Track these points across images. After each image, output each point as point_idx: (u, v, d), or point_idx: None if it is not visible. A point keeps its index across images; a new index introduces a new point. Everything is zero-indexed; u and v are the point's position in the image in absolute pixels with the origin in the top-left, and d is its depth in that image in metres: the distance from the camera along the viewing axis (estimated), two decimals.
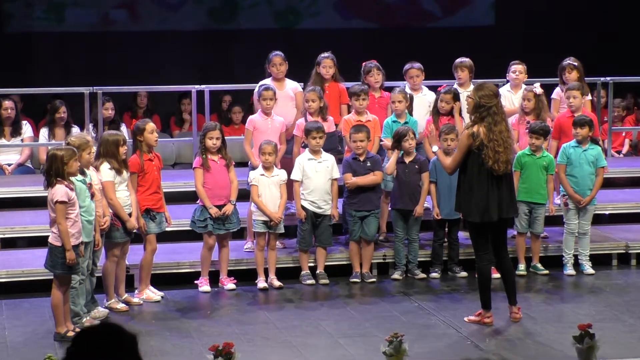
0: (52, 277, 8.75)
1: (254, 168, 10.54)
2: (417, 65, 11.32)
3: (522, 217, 10.57)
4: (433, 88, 11.45)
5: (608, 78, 12.87)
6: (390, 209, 10.82)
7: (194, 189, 10.32)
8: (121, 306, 9.57)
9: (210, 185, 10.12)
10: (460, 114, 10.90)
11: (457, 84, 11.39)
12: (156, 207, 9.84)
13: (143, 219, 9.71)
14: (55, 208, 8.49)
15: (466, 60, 11.44)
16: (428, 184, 10.54)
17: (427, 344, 8.55)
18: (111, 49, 15.29)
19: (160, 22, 15.66)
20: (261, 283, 10.26)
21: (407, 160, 10.52)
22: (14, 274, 10.12)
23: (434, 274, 10.66)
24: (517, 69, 11.55)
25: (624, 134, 13.79)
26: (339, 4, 16.13)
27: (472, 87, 10.35)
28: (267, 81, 11.03)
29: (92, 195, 8.96)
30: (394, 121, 10.89)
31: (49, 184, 8.55)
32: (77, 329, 8.77)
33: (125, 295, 9.74)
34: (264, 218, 10.27)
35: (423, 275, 10.63)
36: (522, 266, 10.70)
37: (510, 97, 11.50)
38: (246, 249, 10.83)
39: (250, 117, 10.96)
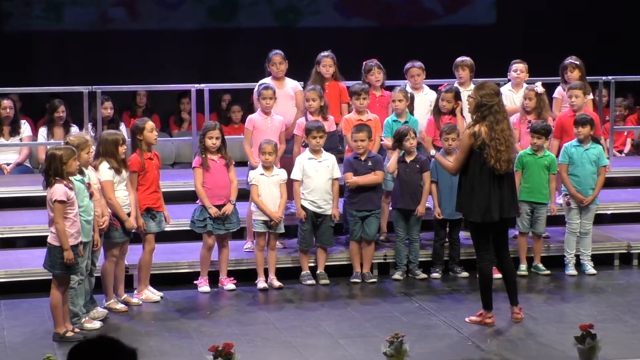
0: (51, 277, 8.73)
1: (253, 168, 10.50)
2: (418, 64, 11.30)
3: (523, 217, 10.55)
4: (434, 87, 11.44)
5: (610, 77, 12.84)
6: (391, 208, 10.80)
7: (193, 189, 10.30)
8: (120, 306, 9.55)
9: (210, 185, 10.10)
10: (461, 114, 10.85)
11: (458, 83, 11.37)
12: (156, 206, 9.82)
13: (142, 219, 9.68)
14: (53, 207, 8.46)
15: (467, 59, 11.43)
16: (429, 184, 10.51)
17: (428, 345, 8.53)
18: (110, 48, 15.26)
19: (160, 21, 15.62)
20: (261, 283, 10.24)
21: (408, 159, 10.49)
22: (12, 274, 10.10)
23: (435, 274, 10.64)
24: (518, 68, 11.54)
25: (625, 134, 13.76)
26: (339, 3, 16.10)
27: (472, 86, 10.35)
28: (267, 80, 11.01)
29: (91, 195, 8.93)
30: (394, 120, 10.87)
31: (48, 184, 8.53)
32: (77, 329, 8.77)
33: (125, 296, 9.72)
34: (264, 218, 10.25)
35: (424, 276, 10.61)
36: (523, 266, 10.68)
37: (512, 96, 11.48)
38: (246, 249, 10.81)
39: (250, 116, 10.93)
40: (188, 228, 10.40)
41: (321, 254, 10.52)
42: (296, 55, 11.61)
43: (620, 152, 13.63)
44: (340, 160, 10.82)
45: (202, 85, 12.35)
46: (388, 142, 10.71)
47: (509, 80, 11.66)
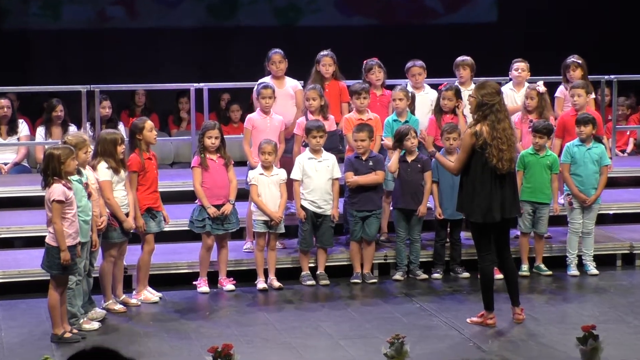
0: (49, 278, 8.70)
1: (252, 167, 10.46)
2: (419, 63, 11.28)
3: (525, 217, 10.53)
4: (434, 86, 11.43)
5: (612, 76, 12.84)
6: (391, 208, 10.76)
7: (192, 189, 10.27)
8: (119, 307, 9.52)
9: (209, 184, 10.06)
10: (462, 113, 10.81)
11: (459, 82, 11.36)
12: (156, 205, 9.80)
13: (142, 219, 9.66)
14: (51, 207, 8.43)
15: (467, 58, 11.42)
16: (431, 183, 10.48)
17: (429, 346, 8.51)
18: (109, 46, 15.26)
19: (159, 19, 15.60)
20: (261, 284, 10.21)
21: (410, 159, 10.47)
22: (10, 274, 10.08)
23: (435, 275, 10.61)
24: (519, 67, 11.52)
25: (628, 133, 13.73)
26: (339, 1, 16.08)
27: (473, 85, 10.33)
28: (267, 79, 10.98)
29: (89, 195, 8.91)
30: (394, 120, 10.84)
31: (46, 184, 8.51)
32: (75, 330, 8.75)
33: (123, 296, 9.70)
34: (264, 218, 10.22)
35: (425, 276, 10.58)
36: (525, 267, 10.66)
37: (513, 95, 11.47)
38: (245, 249, 10.79)
39: (249, 115, 10.91)
40: (187, 228, 10.37)
41: (321, 255, 10.49)
42: (296, 54, 11.59)
43: (623, 151, 13.61)
44: (340, 160, 10.80)
45: (202, 85, 12.35)
46: (388, 141, 10.67)
47: (510, 79, 11.63)
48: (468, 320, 9.10)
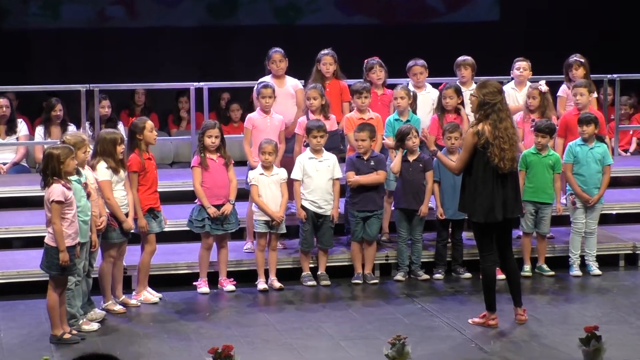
0: (48, 279, 8.68)
1: (252, 167, 10.43)
2: (421, 62, 11.25)
3: (528, 217, 10.50)
4: (435, 85, 11.41)
5: (615, 75, 12.82)
6: (393, 208, 10.72)
7: (192, 189, 10.24)
8: (118, 308, 9.49)
9: (209, 184, 10.03)
10: (465, 113, 10.79)
11: (460, 82, 11.34)
12: (156, 205, 9.79)
13: (145, 219, 9.64)
14: (51, 208, 8.41)
15: (469, 58, 11.42)
16: (432, 183, 10.46)
17: (431, 347, 8.50)
18: (108, 46, 15.26)
19: (158, 18, 15.59)
20: (261, 284, 10.18)
21: (411, 158, 10.43)
22: (9, 275, 10.06)
23: (437, 275, 10.57)
24: (521, 66, 11.50)
25: (631, 132, 13.70)
26: (340, 0, 16.07)
27: (474, 85, 10.29)
28: (267, 78, 10.94)
29: (88, 195, 8.88)
30: (396, 119, 10.81)
31: (46, 184, 8.49)
32: (74, 331, 8.74)
33: (123, 297, 9.67)
34: (266, 218, 10.18)
35: (426, 277, 10.55)
36: (527, 267, 10.62)
37: (515, 94, 11.45)
38: (246, 249, 10.75)
39: (249, 115, 10.89)
40: (187, 228, 10.33)
41: (322, 255, 10.47)
42: (296, 53, 11.55)
43: (626, 151, 13.57)
44: (341, 160, 10.77)
45: (202, 84, 12.35)
46: (389, 141, 10.63)
47: (512, 79, 11.60)
48: (470, 321, 9.07)
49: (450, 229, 10.64)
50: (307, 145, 10.50)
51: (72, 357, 8.21)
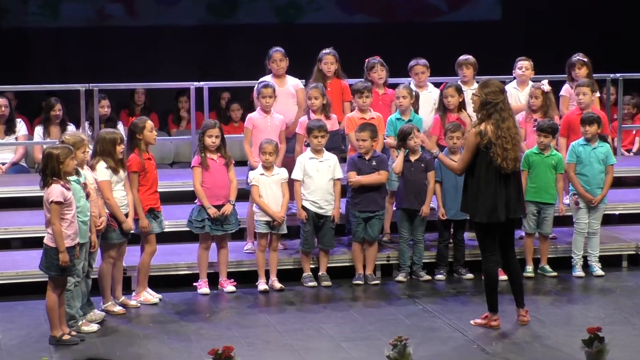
0: (47, 279, 8.65)
1: (253, 168, 10.39)
2: (423, 61, 11.22)
3: (530, 218, 10.48)
4: (436, 85, 11.38)
5: (618, 75, 12.81)
6: (395, 208, 10.70)
7: (192, 189, 10.21)
8: (118, 309, 9.47)
9: (209, 184, 9.99)
10: (468, 113, 10.76)
11: (462, 81, 11.31)
12: (156, 206, 9.77)
13: (147, 220, 9.61)
14: (50, 208, 8.38)
15: (470, 57, 11.41)
16: (434, 183, 10.43)
17: (432, 348, 8.48)
18: (108, 45, 15.26)
19: (158, 17, 15.59)
20: (262, 285, 10.15)
21: (413, 158, 10.40)
22: (8, 275, 10.03)
23: (439, 276, 10.55)
24: (523, 65, 11.47)
25: (634, 132, 13.68)
26: None
27: (476, 84, 10.26)
28: (268, 78, 10.91)
29: (87, 195, 8.85)
30: (397, 119, 10.78)
31: (45, 184, 8.47)
32: (73, 332, 8.72)
33: (123, 298, 9.65)
34: (267, 218, 10.16)
35: (428, 277, 10.53)
36: (529, 268, 10.60)
37: (517, 94, 11.43)
38: (246, 250, 10.73)
39: (249, 115, 10.87)
40: (187, 229, 10.28)
41: (323, 256, 10.44)
42: (297, 52, 11.52)
43: (629, 151, 13.55)
44: (343, 160, 10.73)
45: (202, 83, 12.34)
46: (391, 140, 10.59)
47: (514, 78, 11.56)
48: (472, 322, 9.05)
49: (452, 230, 10.61)
50: (308, 145, 10.47)
51: (71, 358, 8.23)
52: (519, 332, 8.86)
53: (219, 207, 9.97)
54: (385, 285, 10.37)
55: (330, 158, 10.37)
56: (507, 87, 10.94)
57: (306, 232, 10.33)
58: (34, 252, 9.66)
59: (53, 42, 15.32)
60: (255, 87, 10.93)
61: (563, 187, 10.71)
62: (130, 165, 9.53)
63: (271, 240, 10.21)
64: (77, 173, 8.75)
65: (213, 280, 10.13)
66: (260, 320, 9.33)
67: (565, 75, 11.62)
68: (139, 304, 9.67)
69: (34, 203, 10.59)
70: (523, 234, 10.62)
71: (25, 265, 9.98)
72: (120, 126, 12.30)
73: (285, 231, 10.33)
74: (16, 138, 12.42)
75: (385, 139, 10.73)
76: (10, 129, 12.42)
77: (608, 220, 11.49)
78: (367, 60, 11.21)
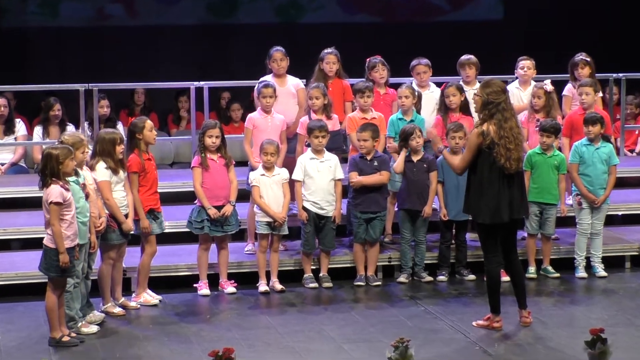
0: (46, 280, 8.63)
1: (253, 168, 10.35)
2: (425, 61, 11.20)
3: (532, 218, 10.46)
4: (438, 85, 11.36)
5: (621, 74, 12.79)
6: (397, 209, 10.67)
7: (192, 189, 10.19)
8: (118, 310, 9.45)
9: (209, 185, 9.97)
10: (469, 112, 10.73)
11: (464, 81, 11.29)
12: (157, 206, 9.75)
13: (147, 220, 9.59)
14: (49, 209, 8.36)
15: (473, 57, 11.40)
16: (436, 184, 10.41)
17: (434, 349, 8.46)
18: (107, 45, 15.28)
19: (158, 17, 15.59)
20: (262, 286, 10.12)
21: (415, 159, 10.38)
22: (7, 276, 10.01)
23: (441, 277, 10.53)
24: (525, 65, 11.45)
25: (637, 132, 13.68)
26: None
27: (478, 84, 10.24)
28: (268, 78, 10.88)
29: (87, 196, 8.83)
30: (399, 119, 10.75)
31: (44, 184, 8.44)
32: (73, 334, 8.70)
33: (122, 299, 9.63)
34: (268, 219, 10.13)
35: (430, 279, 10.50)
36: (532, 269, 10.57)
37: (519, 94, 11.41)
38: (247, 251, 10.71)
39: (250, 115, 10.84)
40: (187, 230, 10.27)
41: (324, 257, 10.42)
42: (297, 52, 11.49)
43: (632, 151, 13.55)
44: (344, 160, 10.70)
45: (202, 83, 12.31)
46: (392, 143, 10.55)
47: (516, 78, 11.53)
48: (474, 323, 9.03)
49: (454, 230, 10.59)
50: (309, 146, 10.43)
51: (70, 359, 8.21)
52: (522, 333, 8.84)
53: (219, 208, 9.93)
54: (387, 287, 10.35)
55: (331, 158, 10.34)
56: (509, 87, 10.93)
57: (307, 233, 10.30)
58: (33, 253, 9.65)
59: (52, 42, 15.33)
60: (255, 87, 10.91)
61: (565, 188, 10.69)
62: (130, 165, 9.51)
63: (272, 241, 10.18)
64: (76, 174, 8.72)
65: (213, 281, 10.11)
66: (261, 321, 9.30)
67: (567, 75, 11.62)
68: (138, 306, 9.65)
69: (33, 204, 10.57)
70: (525, 234, 10.60)
71: (25, 267, 9.97)
72: (120, 126, 12.30)
73: (286, 232, 10.30)
74: (15, 138, 12.41)
75: (390, 143, 10.66)
76: (9, 129, 12.42)
77: (611, 220, 11.47)
78: (368, 59, 11.19)
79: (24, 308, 9.61)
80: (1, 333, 8.94)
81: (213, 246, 10.09)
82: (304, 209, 10.26)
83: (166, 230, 10.01)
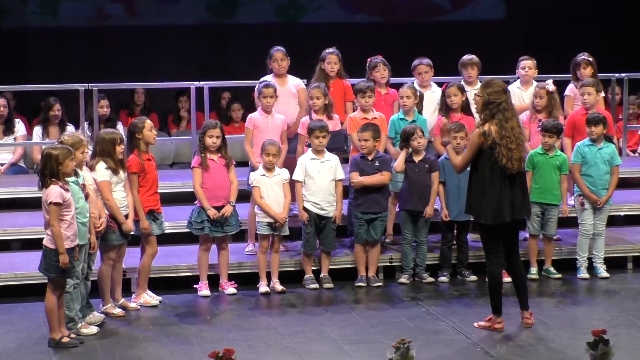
0: (46, 281, 8.62)
1: (254, 168, 10.33)
2: (426, 61, 11.18)
3: (534, 219, 10.44)
4: (439, 85, 11.33)
5: (623, 74, 12.76)
6: (398, 209, 10.65)
7: (192, 190, 10.17)
8: (118, 311, 9.44)
9: (209, 185, 9.95)
10: (470, 112, 10.70)
11: (466, 81, 11.27)
12: (157, 207, 9.73)
13: (147, 221, 9.57)
14: (49, 209, 8.34)
15: (474, 57, 11.38)
16: (438, 184, 10.39)
17: (436, 351, 8.45)
18: (107, 45, 15.27)
19: (158, 17, 15.59)
20: (263, 287, 10.10)
21: (417, 159, 10.36)
22: (6, 277, 9.99)
23: (442, 278, 10.52)
24: (526, 65, 11.44)
25: (639, 132, 13.58)
26: None
27: (479, 84, 10.20)
28: (269, 78, 10.87)
29: (86, 196, 8.81)
30: (401, 119, 10.73)
31: (44, 185, 8.43)
32: (72, 335, 8.70)
33: (122, 300, 9.62)
34: (268, 220, 10.11)
35: (431, 279, 10.48)
36: (534, 270, 10.55)
37: (520, 94, 11.39)
38: (247, 252, 10.69)
39: (250, 115, 10.83)
40: (187, 230, 10.25)
41: (325, 257, 10.40)
42: (297, 52, 11.48)
43: (634, 151, 13.51)
44: (345, 161, 10.68)
45: (202, 83, 12.30)
46: (393, 148, 10.52)
47: (518, 78, 11.50)
48: (475, 324, 9.02)
49: (455, 231, 10.58)
50: (309, 146, 10.41)
51: None
52: (523, 334, 8.83)
53: (219, 209, 9.91)
54: (388, 288, 10.34)
55: (332, 159, 10.31)
56: (511, 87, 10.92)
57: (308, 234, 10.27)
58: (33, 254, 9.65)
59: (52, 42, 15.32)
60: (256, 87, 10.89)
61: (567, 188, 10.68)
62: (130, 166, 9.49)
63: (273, 242, 10.16)
64: (76, 174, 8.71)
65: (214, 282, 10.10)
66: (261, 322, 9.29)
67: (567, 75, 11.62)
68: (138, 306, 9.63)
69: (32, 204, 10.54)
70: (527, 235, 10.58)
71: (25, 267, 9.96)
72: (120, 126, 12.29)
73: (287, 232, 10.28)
74: (15, 138, 12.40)
75: (389, 149, 10.63)
76: (9, 129, 12.41)
77: (613, 221, 11.46)
78: (369, 59, 11.17)
79: (24, 309, 9.60)
80: (1, 334, 8.94)
81: (213, 247, 10.07)
82: (305, 209, 10.24)
83: (166, 231, 10.00)
